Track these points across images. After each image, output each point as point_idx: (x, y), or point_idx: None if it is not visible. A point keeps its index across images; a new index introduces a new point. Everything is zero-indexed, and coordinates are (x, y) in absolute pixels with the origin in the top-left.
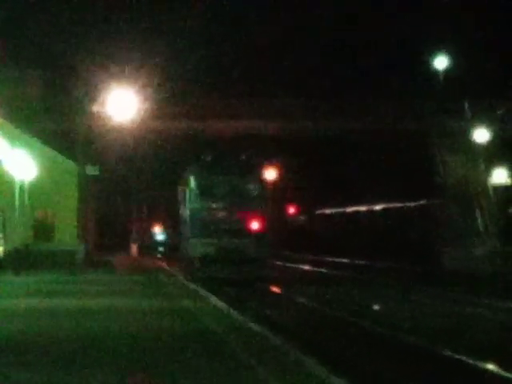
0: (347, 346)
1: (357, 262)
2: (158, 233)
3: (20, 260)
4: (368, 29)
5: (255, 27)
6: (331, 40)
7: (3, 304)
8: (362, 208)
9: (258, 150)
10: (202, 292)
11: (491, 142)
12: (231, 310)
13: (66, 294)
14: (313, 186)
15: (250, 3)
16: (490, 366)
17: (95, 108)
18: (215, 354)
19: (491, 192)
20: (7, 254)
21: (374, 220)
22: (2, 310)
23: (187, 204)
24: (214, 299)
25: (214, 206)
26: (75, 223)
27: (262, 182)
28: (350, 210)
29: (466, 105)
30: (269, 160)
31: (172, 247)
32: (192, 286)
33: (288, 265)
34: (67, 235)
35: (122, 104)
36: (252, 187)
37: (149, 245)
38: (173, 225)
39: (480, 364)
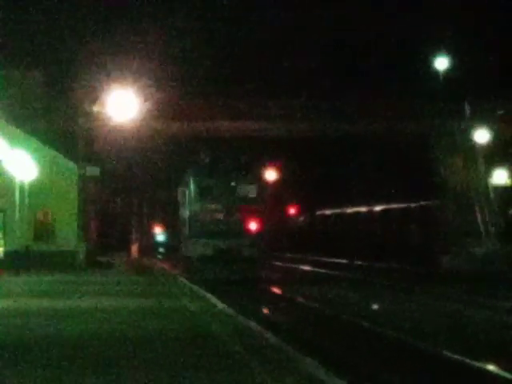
0: (346, 345)
1: (357, 262)
2: (159, 233)
3: (20, 260)
4: (368, 29)
5: (255, 28)
6: (331, 40)
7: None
8: (362, 209)
9: (259, 150)
10: (202, 292)
11: (491, 143)
12: (230, 310)
13: (66, 294)
14: (313, 187)
15: (250, 4)
16: (489, 366)
17: (95, 108)
18: (214, 352)
19: (491, 193)
20: (7, 254)
21: (374, 221)
22: None
23: (186, 205)
24: (214, 300)
25: (212, 207)
26: (75, 224)
27: (260, 183)
28: (350, 210)
29: (467, 105)
30: (269, 161)
31: (172, 248)
32: (192, 286)
33: (288, 265)
34: (67, 236)
35: (122, 104)
36: (250, 189)
37: (149, 245)
38: (173, 225)
39: (479, 364)
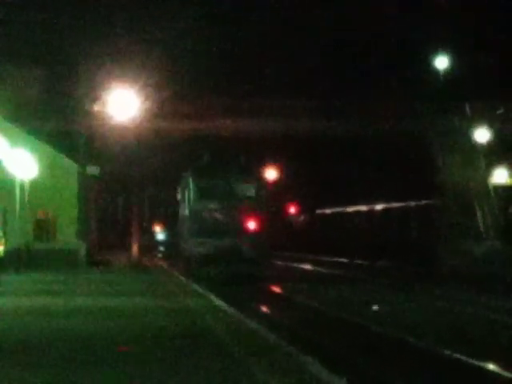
0: (345, 344)
1: (357, 261)
2: (159, 232)
3: (21, 259)
4: (368, 29)
5: (256, 27)
6: (331, 40)
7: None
8: (363, 208)
9: (259, 149)
10: (201, 291)
11: (492, 142)
12: (229, 308)
13: (66, 293)
14: (313, 186)
15: (250, 3)
16: (489, 366)
17: (96, 107)
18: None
19: (492, 192)
20: (8, 253)
21: (374, 220)
22: None
23: (186, 204)
24: (213, 298)
25: (211, 206)
26: (76, 222)
27: (259, 182)
28: (350, 209)
29: (467, 104)
30: (269, 160)
31: (172, 247)
32: (192, 285)
33: (288, 264)
34: (68, 234)
35: (122, 104)
36: (249, 188)
37: (149, 244)
38: (173, 224)
39: (477, 362)
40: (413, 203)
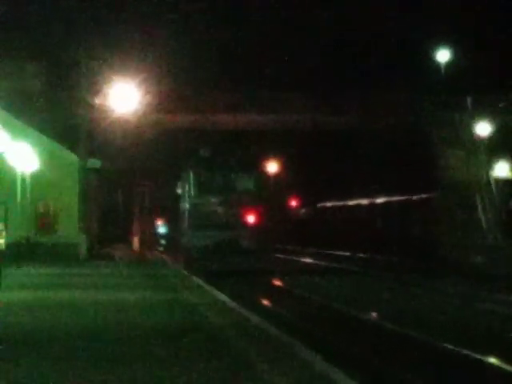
0: (346, 339)
1: (358, 255)
2: (160, 225)
3: (22, 253)
4: (370, 21)
5: (257, 20)
6: (331, 34)
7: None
8: (364, 201)
9: (260, 143)
10: (202, 284)
11: (493, 136)
12: (228, 300)
13: (67, 286)
14: (314, 179)
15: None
16: (490, 360)
17: (97, 101)
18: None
19: (493, 185)
20: (9, 246)
21: (375, 213)
22: None
23: (186, 198)
24: (214, 291)
25: (211, 200)
26: (77, 216)
27: (259, 176)
28: (351, 203)
29: (468, 98)
30: (271, 153)
31: (173, 240)
32: (192, 278)
33: (289, 257)
34: (69, 228)
35: (123, 97)
36: (248, 182)
37: (150, 237)
38: (174, 218)
39: (470, 354)
40: (414, 197)
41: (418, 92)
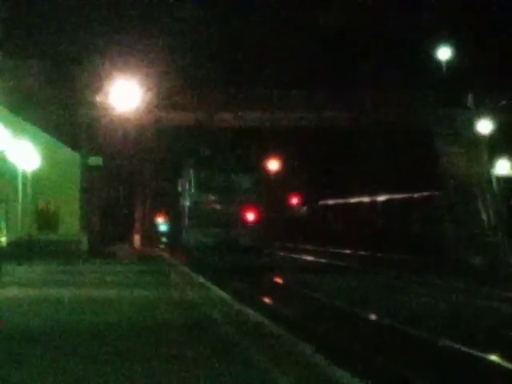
0: (349, 336)
1: (359, 252)
2: (161, 223)
3: (23, 250)
4: (370, 21)
5: (258, 17)
6: (331, 31)
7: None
8: (365, 199)
9: (261, 141)
10: (202, 281)
11: (494, 133)
12: (228, 297)
13: (68, 284)
14: (316, 177)
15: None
16: (486, 354)
17: (98, 98)
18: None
19: (494, 183)
20: (10, 244)
21: (376, 211)
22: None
23: (186, 196)
24: (214, 288)
25: (211, 198)
26: (78, 213)
27: (258, 174)
28: (352, 200)
29: (470, 96)
30: (272, 151)
31: (175, 237)
32: (192, 275)
33: (290, 255)
34: (70, 225)
35: (125, 94)
36: (248, 180)
37: (152, 235)
38: (175, 216)
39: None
40: (415, 194)
41: (420, 88)
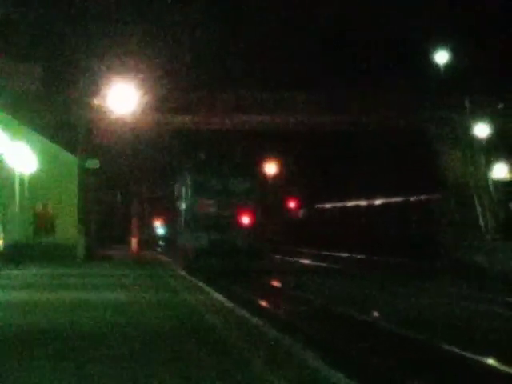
0: (346, 339)
1: (356, 256)
2: (158, 227)
3: (20, 253)
4: (370, 21)
5: (256, 21)
6: (331, 33)
7: None
8: (362, 202)
9: (259, 144)
10: (199, 284)
11: (492, 137)
12: (225, 300)
13: (65, 287)
14: (313, 181)
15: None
16: (483, 358)
17: (96, 101)
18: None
19: (491, 187)
20: (7, 247)
21: (373, 214)
22: None
23: (183, 199)
24: (211, 292)
25: (207, 201)
26: (75, 217)
27: (255, 178)
28: (349, 204)
29: (467, 99)
30: (269, 154)
31: (171, 241)
32: (190, 278)
33: (286, 259)
34: (68, 229)
35: (122, 97)
36: (243, 184)
37: (149, 239)
38: (172, 219)
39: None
40: (413, 198)
41: (417, 92)
